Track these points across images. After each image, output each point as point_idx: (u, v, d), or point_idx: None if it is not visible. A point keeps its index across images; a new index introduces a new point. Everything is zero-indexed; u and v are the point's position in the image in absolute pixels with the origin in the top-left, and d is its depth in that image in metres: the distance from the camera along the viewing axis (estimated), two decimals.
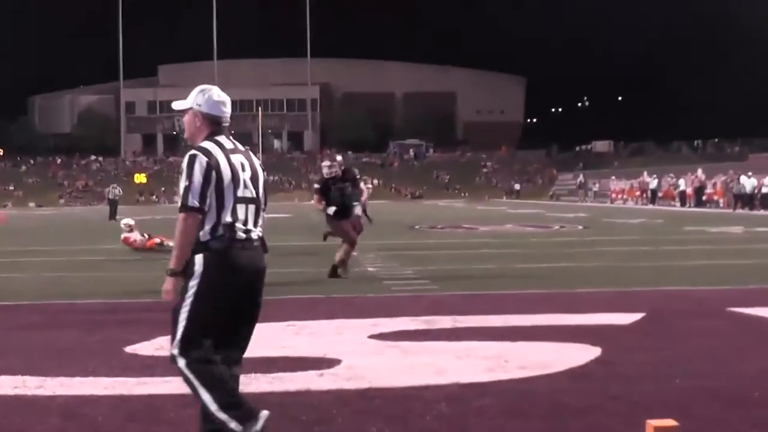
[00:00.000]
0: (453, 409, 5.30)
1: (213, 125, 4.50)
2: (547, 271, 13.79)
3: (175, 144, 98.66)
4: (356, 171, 13.45)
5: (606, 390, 5.71)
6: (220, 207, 4.28)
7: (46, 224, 35.22)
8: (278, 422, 5.08)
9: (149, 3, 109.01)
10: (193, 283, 4.24)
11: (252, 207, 4.42)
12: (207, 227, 4.26)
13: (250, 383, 5.93)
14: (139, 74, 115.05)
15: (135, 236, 19.24)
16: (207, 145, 4.39)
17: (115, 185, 42.36)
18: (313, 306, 9.93)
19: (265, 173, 4.66)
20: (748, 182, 42.37)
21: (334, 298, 10.67)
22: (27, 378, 6.20)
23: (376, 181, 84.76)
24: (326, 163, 13.06)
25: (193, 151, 4.35)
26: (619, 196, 60.81)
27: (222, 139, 4.46)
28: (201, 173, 4.25)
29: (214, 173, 4.27)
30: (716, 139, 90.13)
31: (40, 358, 7.03)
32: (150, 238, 19.18)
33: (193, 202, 4.23)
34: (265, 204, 4.61)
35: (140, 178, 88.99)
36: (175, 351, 4.26)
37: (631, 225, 28.80)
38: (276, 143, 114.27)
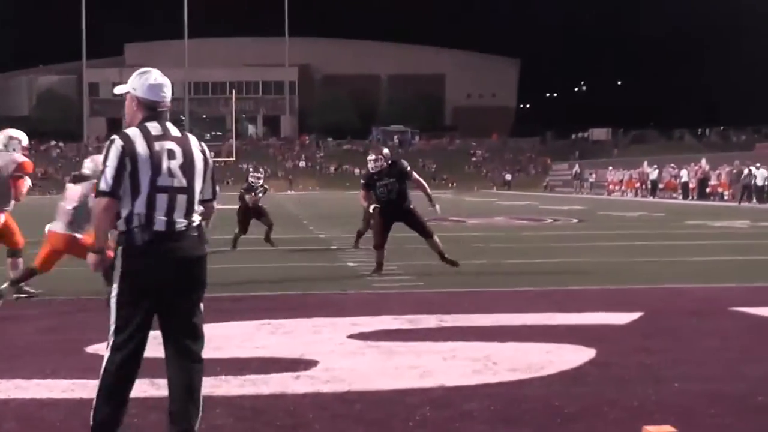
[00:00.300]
0: (438, 414, 5.31)
1: (148, 110, 4.66)
2: (539, 267, 13.82)
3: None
4: (405, 164, 13.10)
5: (601, 394, 5.74)
6: (135, 195, 4.46)
7: None
8: (251, 428, 5.08)
9: None
10: (116, 275, 4.49)
11: (180, 197, 4.53)
12: (123, 215, 4.47)
13: (220, 386, 5.94)
14: (104, 53, 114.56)
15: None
16: (131, 130, 4.57)
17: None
18: (289, 303, 9.93)
19: (209, 160, 4.76)
20: (759, 173, 42.45)
21: (312, 294, 10.68)
22: None
23: (357, 170, 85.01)
24: (372, 156, 12.87)
25: (113, 136, 4.54)
26: (617, 187, 61.01)
27: (152, 124, 4.60)
28: (115, 158, 4.44)
29: (128, 160, 4.43)
30: (722, 127, 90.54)
31: None
32: None
33: (104, 186, 4.44)
34: (214, 193, 4.79)
35: None
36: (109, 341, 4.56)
37: (630, 218, 28.91)
38: (250, 128, 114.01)
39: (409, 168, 12.93)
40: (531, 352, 7.05)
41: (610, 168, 65.67)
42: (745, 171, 43.18)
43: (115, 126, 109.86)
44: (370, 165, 12.79)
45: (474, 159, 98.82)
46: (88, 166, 10.10)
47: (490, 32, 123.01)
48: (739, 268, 13.55)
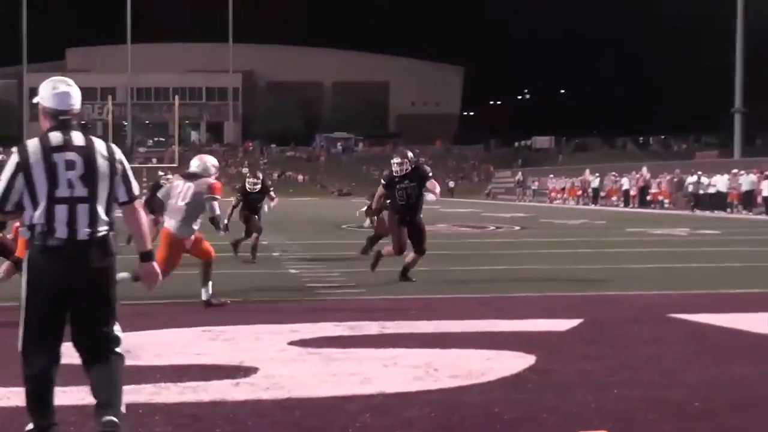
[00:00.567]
0: (378, 421, 5.31)
1: (53, 119, 4.74)
2: (481, 274, 13.89)
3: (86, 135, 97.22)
4: (427, 169, 13.00)
5: (541, 400, 5.77)
6: (34, 207, 4.51)
7: None
8: None
9: None
10: (23, 283, 4.54)
11: (82, 207, 4.53)
12: (26, 226, 4.53)
13: (159, 393, 5.88)
14: (46, 57, 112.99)
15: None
16: (30, 142, 4.63)
17: None
18: (230, 310, 9.88)
19: (119, 164, 4.70)
20: (721, 180, 41.24)
21: (253, 302, 10.63)
22: None
23: (301, 177, 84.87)
24: (396, 159, 12.72)
25: (13, 148, 4.63)
26: (559, 195, 61.51)
27: (55, 134, 4.65)
28: (9, 173, 4.51)
29: (21, 174, 4.49)
30: (663, 136, 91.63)
31: None
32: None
33: None
34: (130, 195, 4.71)
35: None
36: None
37: (572, 226, 29.17)
38: (194, 134, 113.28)
39: (431, 173, 12.91)
40: (472, 359, 7.07)
41: (551, 176, 66.19)
42: (692, 179, 43.23)
43: None
44: (395, 168, 12.64)
45: None
46: (196, 165, 10.41)
47: (434, 40, 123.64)
48: (678, 275, 13.73)
